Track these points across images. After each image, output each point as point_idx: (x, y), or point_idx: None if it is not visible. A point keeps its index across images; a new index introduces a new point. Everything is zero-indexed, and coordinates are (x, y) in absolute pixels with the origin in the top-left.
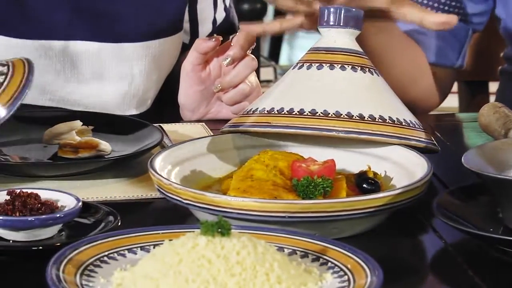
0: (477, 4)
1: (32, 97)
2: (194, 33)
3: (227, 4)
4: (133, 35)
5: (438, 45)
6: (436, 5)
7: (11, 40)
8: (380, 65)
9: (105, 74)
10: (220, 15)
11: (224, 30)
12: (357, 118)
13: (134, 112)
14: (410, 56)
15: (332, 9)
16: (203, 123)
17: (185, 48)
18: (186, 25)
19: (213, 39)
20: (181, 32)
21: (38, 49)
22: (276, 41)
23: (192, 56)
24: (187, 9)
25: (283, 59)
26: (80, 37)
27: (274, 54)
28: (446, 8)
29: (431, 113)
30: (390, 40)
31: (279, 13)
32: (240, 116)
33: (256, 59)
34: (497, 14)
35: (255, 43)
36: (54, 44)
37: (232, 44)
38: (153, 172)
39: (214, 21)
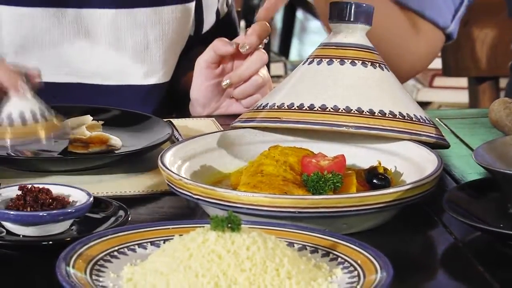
0: None
1: (49, 73)
2: (199, 22)
3: (230, 1)
4: (144, 0)
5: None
6: None
7: (22, 9)
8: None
9: (121, 41)
10: (223, 9)
11: (226, 26)
12: (367, 113)
13: (152, 81)
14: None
15: (342, 4)
16: (213, 118)
17: (192, 39)
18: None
19: (233, 44)
20: (192, 3)
21: (51, 18)
22: (286, 36)
23: (209, 55)
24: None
25: (293, 55)
26: (94, 3)
27: (284, 50)
28: None
29: (442, 108)
30: None
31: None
32: (250, 112)
33: (266, 54)
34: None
35: (269, 34)
36: (68, 12)
37: (248, 33)
38: (163, 167)
39: (218, 12)
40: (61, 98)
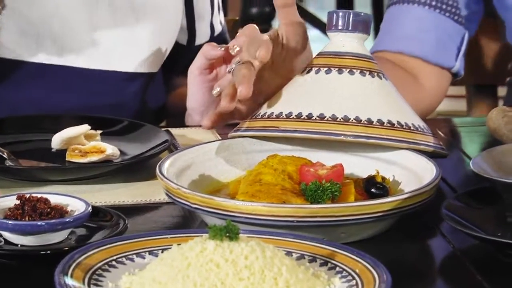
0: (473, 10)
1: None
2: (191, 31)
3: (223, 21)
4: None
5: (436, 44)
6: (433, 3)
7: None
8: None
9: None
10: (217, 25)
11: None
12: (365, 122)
13: (140, 70)
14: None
15: (340, 14)
16: None
17: (184, 49)
18: (183, 21)
19: (222, 48)
20: None
21: None
22: None
23: (200, 61)
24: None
25: None
26: None
27: None
28: (444, 6)
29: (440, 117)
30: None
31: None
32: (248, 121)
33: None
34: (501, 16)
35: None
36: None
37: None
38: (161, 176)
39: (212, 26)
40: (41, 80)
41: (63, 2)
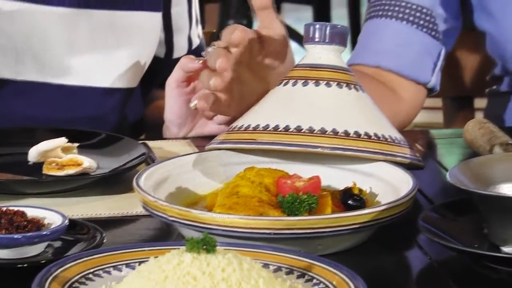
0: (449, 20)
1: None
2: (169, 45)
3: (201, 34)
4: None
5: (413, 59)
6: (411, 18)
7: None
8: None
9: (84, 43)
10: (195, 39)
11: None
12: (342, 134)
13: (117, 85)
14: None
15: (317, 26)
16: (189, 140)
17: (162, 63)
18: (161, 34)
19: (200, 61)
20: (158, 13)
21: (13, 12)
22: None
23: (177, 74)
24: (162, 15)
25: None
26: (53, 2)
27: None
28: (422, 22)
29: (416, 129)
30: None
31: None
32: (225, 133)
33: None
34: (481, 28)
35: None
36: (24, 8)
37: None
38: (138, 189)
39: (190, 40)
40: (22, 97)
41: (43, 20)
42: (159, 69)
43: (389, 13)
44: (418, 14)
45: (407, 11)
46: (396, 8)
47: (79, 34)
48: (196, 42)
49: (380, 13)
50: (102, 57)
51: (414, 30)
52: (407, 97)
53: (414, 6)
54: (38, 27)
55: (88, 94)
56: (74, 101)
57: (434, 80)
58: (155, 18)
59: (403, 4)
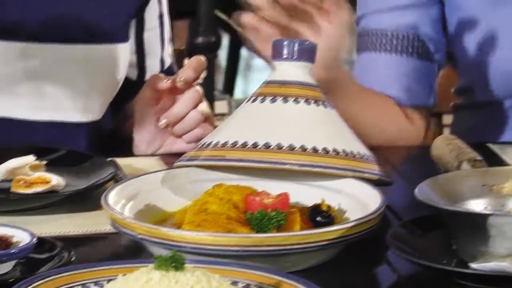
0: (438, 40)
1: None
2: (141, 67)
3: (171, 52)
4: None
5: (410, 87)
6: (399, 48)
7: None
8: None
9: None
10: (167, 59)
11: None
12: (310, 151)
13: (85, 119)
14: (373, 109)
15: (285, 42)
16: (158, 157)
17: (134, 85)
18: (133, 57)
19: (169, 80)
20: (125, 44)
21: None
22: (231, 74)
23: (146, 92)
24: (134, 38)
25: (238, 92)
26: (22, 37)
27: (229, 87)
28: (410, 49)
29: (384, 145)
30: (348, 102)
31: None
32: (194, 150)
33: (200, 91)
34: (449, 49)
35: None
36: None
37: (184, 68)
38: (107, 206)
39: (162, 61)
40: None
41: (4, 54)
42: (132, 90)
43: (377, 47)
44: (405, 42)
45: (394, 41)
46: (384, 41)
47: (42, 69)
48: (168, 62)
49: (369, 46)
50: (69, 90)
51: (405, 59)
52: (416, 125)
53: (400, 36)
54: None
55: (53, 129)
56: (39, 136)
57: (433, 99)
58: (122, 49)
59: (389, 35)
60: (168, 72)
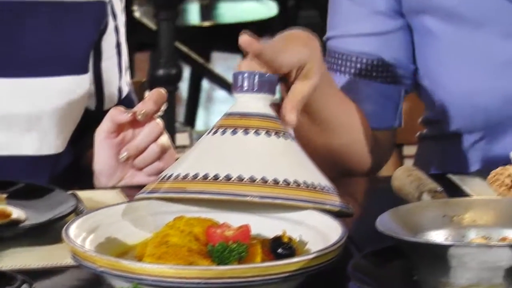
0: (405, 66)
1: None
2: (99, 97)
3: (129, 80)
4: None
5: (374, 111)
6: (363, 72)
7: None
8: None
9: (11, 111)
10: (125, 88)
11: (126, 105)
12: (271, 183)
13: (45, 152)
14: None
15: (246, 74)
16: (118, 190)
17: (93, 115)
18: (92, 87)
19: (129, 113)
20: (85, 75)
21: None
22: (192, 106)
23: (106, 125)
24: (91, 68)
25: (199, 124)
26: None
27: (190, 119)
28: (374, 73)
29: (345, 176)
30: (330, 97)
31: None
32: (155, 183)
33: (161, 123)
34: (417, 78)
35: (166, 100)
36: None
37: (145, 100)
38: (67, 239)
39: (120, 90)
40: None
41: None
42: (91, 120)
43: (343, 69)
44: (369, 67)
45: (358, 66)
46: (348, 64)
47: (1, 103)
48: (125, 90)
49: (335, 67)
50: (31, 125)
51: (368, 83)
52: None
53: (364, 60)
54: None
55: (14, 163)
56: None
57: (398, 120)
58: (82, 81)
59: (354, 59)
60: (126, 100)
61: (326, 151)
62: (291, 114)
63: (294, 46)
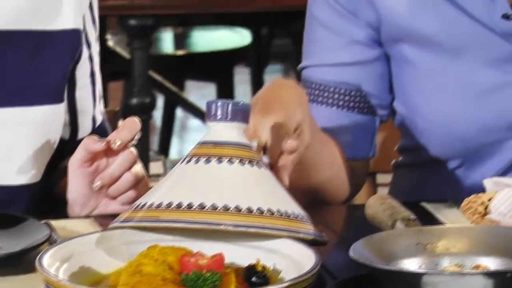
0: (383, 96)
1: None
2: (74, 126)
3: (102, 109)
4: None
5: (350, 141)
6: (341, 103)
7: None
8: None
9: None
10: (99, 117)
11: (100, 134)
12: (245, 211)
13: (20, 182)
14: (331, 152)
15: (219, 103)
16: (92, 219)
17: (67, 144)
18: (66, 116)
19: (103, 142)
20: (60, 105)
21: None
22: (166, 134)
23: (80, 154)
24: (66, 98)
25: (173, 153)
26: None
27: (164, 148)
28: (352, 104)
29: (319, 205)
30: (315, 141)
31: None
32: (129, 212)
33: (135, 152)
34: (393, 106)
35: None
36: None
37: (119, 129)
38: (41, 268)
39: (94, 119)
40: None
41: None
42: (65, 150)
43: (320, 99)
44: (347, 97)
45: (336, 96)
46: (326, 94)
47: None
48: (99, 119)
49: (312, 97)
50: (6, 154)
51: (346, 114)
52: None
53: (342, 91)
54: None
55: None
56: None
57: (373, 150)
58: (58, 110)
59: (331, 89)
60: (100, 129)
61: (306, 187)
62: (284, 177)
63: (292, 107)
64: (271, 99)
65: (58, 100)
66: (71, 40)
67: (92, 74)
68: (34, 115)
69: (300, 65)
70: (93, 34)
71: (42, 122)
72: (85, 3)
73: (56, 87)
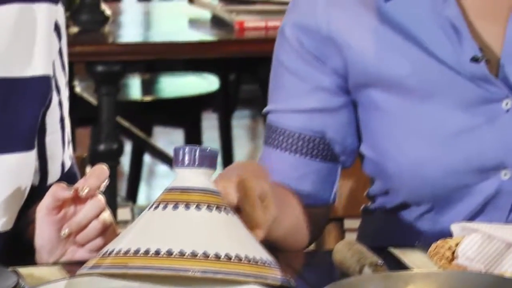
0: (348, 143)
1: None
2: (43, 172)
3: (71, 153)
4: None
5: (310, 189)
6: (304, 150)
7: None
8: None
9: None
10: (68, 162)
11: (69, 179)
12: (213, 257)
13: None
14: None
15: (186, 149)
16: (60, 266)
17: (36, 190)
18: (36, 163)
19: (71, 190)
20: (32, 152)
21: None
22: (134, 180)
23: (48, 201)
24: (36, 146)
25: (141, 199)
26: None
27: (132, 194)
28: (315, 151)
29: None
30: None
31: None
32: (97, 258)
33: (103, 199)
34: (362, 151)
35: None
36: None
37: (87, 176)
38: None
39: (63, 164)
40: None
41: None
42: (34, 196)
43: (283, 145)
44: (310, 145)
45: (300, 143)
46: (290, 140)
47: None
48: (68, 164)
49: (275, 143)
50: None
51: (308, 161)
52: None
53: (306, 138)
54: None
55: None
56: None
57: (333, 196)
58: (29, 157)
59: (296, 135)
60: (69, 174)
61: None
62: None
63: (258, 175)
64: (235, 167)
65: (29, 147)
66: (41, 87)
67: (62, 120)
68: (6, 163)
69: (265, 109)
70: (62, 80)
71: (14, 169)
72: (55, 49)
73: (27, 134)
